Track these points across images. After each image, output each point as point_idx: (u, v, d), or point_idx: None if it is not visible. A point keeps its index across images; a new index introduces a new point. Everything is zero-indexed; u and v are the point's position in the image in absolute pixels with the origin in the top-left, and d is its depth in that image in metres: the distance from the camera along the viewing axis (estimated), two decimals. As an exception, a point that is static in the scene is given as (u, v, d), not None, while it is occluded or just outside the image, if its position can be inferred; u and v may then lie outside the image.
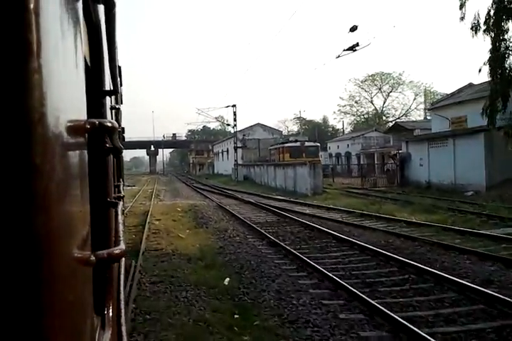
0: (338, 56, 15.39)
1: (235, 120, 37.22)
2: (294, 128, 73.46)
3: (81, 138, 0.72)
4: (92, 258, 0.69)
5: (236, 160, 36.93)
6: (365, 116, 70.18)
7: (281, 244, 9.54)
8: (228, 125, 37.44)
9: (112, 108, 2.01)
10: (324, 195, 22.67)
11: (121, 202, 1.52)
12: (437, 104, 31.05)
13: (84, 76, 0.86)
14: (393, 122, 68.52)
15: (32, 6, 0.42)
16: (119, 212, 1.37)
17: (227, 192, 26.54)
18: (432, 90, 61.42)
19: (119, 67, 4.55)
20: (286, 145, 34.72)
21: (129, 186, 37.77)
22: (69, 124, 0.58)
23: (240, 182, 37.50)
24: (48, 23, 0.47)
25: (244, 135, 44.12)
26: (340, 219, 13.29)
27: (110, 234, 1.32)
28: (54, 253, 0.46)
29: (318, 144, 35.34)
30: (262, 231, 11.39)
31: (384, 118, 68.77)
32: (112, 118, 1.94)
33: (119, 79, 3.54)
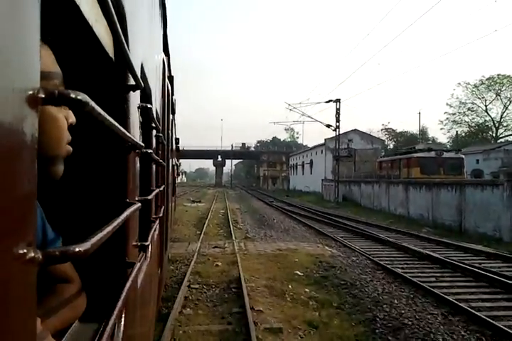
0: None
1: (337, 120, 27.31)
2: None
3: (25, 112, 0.46)
4: (37, 256, 0.51)
5: (338, 175, 26.97)
6: (479, 126, 57.01)
7: None
8: (328, 126, 27.58)
9: (139, 107, 1.50)
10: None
11: (138, 204, 1.20)
12: None
13: (38, 13, 0.50)
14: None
15: None
16: (123, 216, 0.98)
17: (342, 223, 16.67)
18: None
19: (171, 77, 4.56)
20: (416, 155, 24.21)
21: (194, 202, 29.35)
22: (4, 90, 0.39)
23: (340, 203, 27.54)
24: None
25: (349, 140, 33.99)
26: None
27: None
28: None
29: (463, 156, 24.39)
30: None
31: (501, 130, 55.31)
32: (136, 118, 1.42)
33: (166, 85, 3.26)
